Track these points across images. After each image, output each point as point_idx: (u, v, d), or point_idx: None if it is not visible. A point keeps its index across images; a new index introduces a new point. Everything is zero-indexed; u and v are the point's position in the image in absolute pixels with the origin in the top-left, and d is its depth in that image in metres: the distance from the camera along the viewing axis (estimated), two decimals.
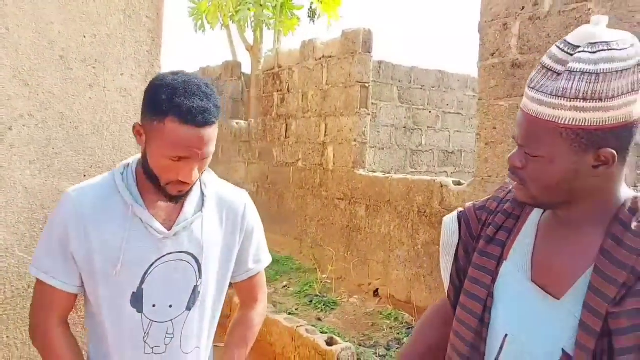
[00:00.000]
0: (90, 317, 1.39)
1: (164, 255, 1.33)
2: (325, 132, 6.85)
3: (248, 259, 1.52)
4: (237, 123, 9.36)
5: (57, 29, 1.69)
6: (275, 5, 12.20)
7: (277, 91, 7.97)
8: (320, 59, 7.03)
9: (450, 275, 1.19)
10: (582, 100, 0.88)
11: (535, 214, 1.09)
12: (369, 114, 6.49)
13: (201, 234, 1.38)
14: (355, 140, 6.38)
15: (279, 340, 4.53)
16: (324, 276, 6.12)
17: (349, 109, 6.48)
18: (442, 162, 10.37)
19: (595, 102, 0.88)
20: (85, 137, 1.78)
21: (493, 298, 1.06)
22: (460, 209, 1.23)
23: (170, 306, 1.36)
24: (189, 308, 1.38)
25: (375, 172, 6.72)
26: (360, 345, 4.44)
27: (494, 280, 1.07)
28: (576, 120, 0.89)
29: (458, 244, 1.18)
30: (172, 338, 1.37)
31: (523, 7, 4.27)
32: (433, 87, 10.20)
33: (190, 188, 1.33)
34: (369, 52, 6.45)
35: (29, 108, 1.67)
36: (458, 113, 10.58)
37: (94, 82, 1.77)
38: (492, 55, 4.51)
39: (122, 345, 1.34)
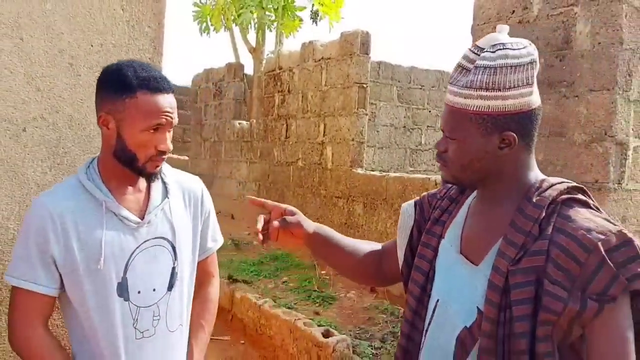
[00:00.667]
0: (73, 317, 1.43)
1: (142, 243, 1.43)
2: (324, 132, 7.00)
3: (207, 239, 1.65)
4: (239, 123, 9.52)
5: (66, 38, 1.85)
6: (277, 8, 12.36)
7: (278, 92, 8.12)
8: (319, 60, 7.18)
9: (405, 254, 1.35)
10: (485, 90, 1.07)
11: (470, 198, 1.26)
12: (366, 114, 6.64)
13: (171, 218, 1.48)
14: (353, 140, 6.53)
15: (278, 333, 4.68)
16: (322, 272, 6.27)
17: (347, 109, 6.63)
18: None
19: (496, 91, 1.07)
20: (92, 137, 1.93)
21: (435, 271, 1.23)
22: (418, 197, 1.41)
23: (154, 290, 1.45)
24: (170, 289, 1.48)
25: (373, 170, 6.88)
26: (356, 338, 4.58)
27: (435, 256, 1.24)
28: (482, 107, 1.08)
29: (413, 226, 1.36)
30: (159, 319, 1.45)
31: (513, 11, 4.41)
32: (433, 87, 10.34)
33: (158, 176, 1.46)
34: (367, 54, 6.60)
35: (41, 111, 1.83)
36: None
37: None
38: None
39: (113, 336, 1.40)
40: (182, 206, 1.54)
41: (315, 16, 13.43)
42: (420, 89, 10.13)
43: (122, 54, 1.95)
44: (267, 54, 11.58)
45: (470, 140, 1.11)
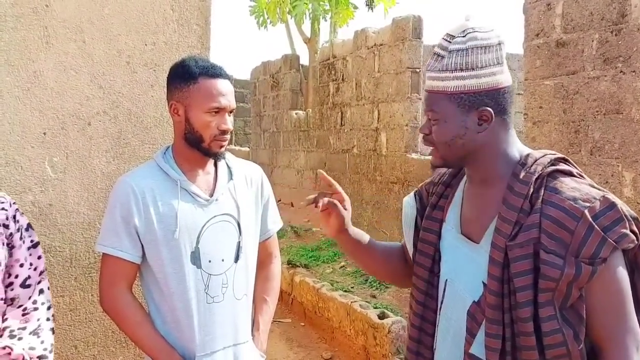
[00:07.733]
0: (152, 284, 1.62)
1: (211, 218, 1.62)
2: (378, 118, 7.05)
3: (268, 221, 1.82)
4: (296, 113, 9.70)
5: (123, 39, 2.03)
6: None
7: (332, 81, 8.23)
8: (372, 47, 7.22)
9: (413, 242, 1.43)
10: (460, 71, 1.17)
11: (463, 182, 1.34)
12: (420, 99, 6.63)
13: (236, 197, 1.67)
14: (407, 125, 6.55)
15: (335, 315, 4.81)
16: None
17: (400, 95, 6.65)
18: None
19: (470, 71, 1.16)
20: (149, 129, 2.11)
21: (440, 253, 1.32)
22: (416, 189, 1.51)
23: (223, 260, 1.63)
24: (236, 260, 1.66)
25: (427, 155, 6.87)
26: None
27: (439, 239, 1.33)
28: (458, 87, 1.17)
29: (416, 215, 1.44)
30: (227, 287, 1.64)
31: None
32: None
33: (223, 155, 1.64)
34: (419, 38, 6.58)
35: (103, 106, 2.02)
36: (519, 94, 10.43)
37: (155, 82, 2.10)
38: (537, 36, 4.57)
39: (187, 299, 1.58)
40: (245, 188, 1.73)
41: (370, 2, 13.40)
42: None
43: (172, 51, 2.12)
44: (322, 44, 11.69)
45: (451, 119, 1.19)
